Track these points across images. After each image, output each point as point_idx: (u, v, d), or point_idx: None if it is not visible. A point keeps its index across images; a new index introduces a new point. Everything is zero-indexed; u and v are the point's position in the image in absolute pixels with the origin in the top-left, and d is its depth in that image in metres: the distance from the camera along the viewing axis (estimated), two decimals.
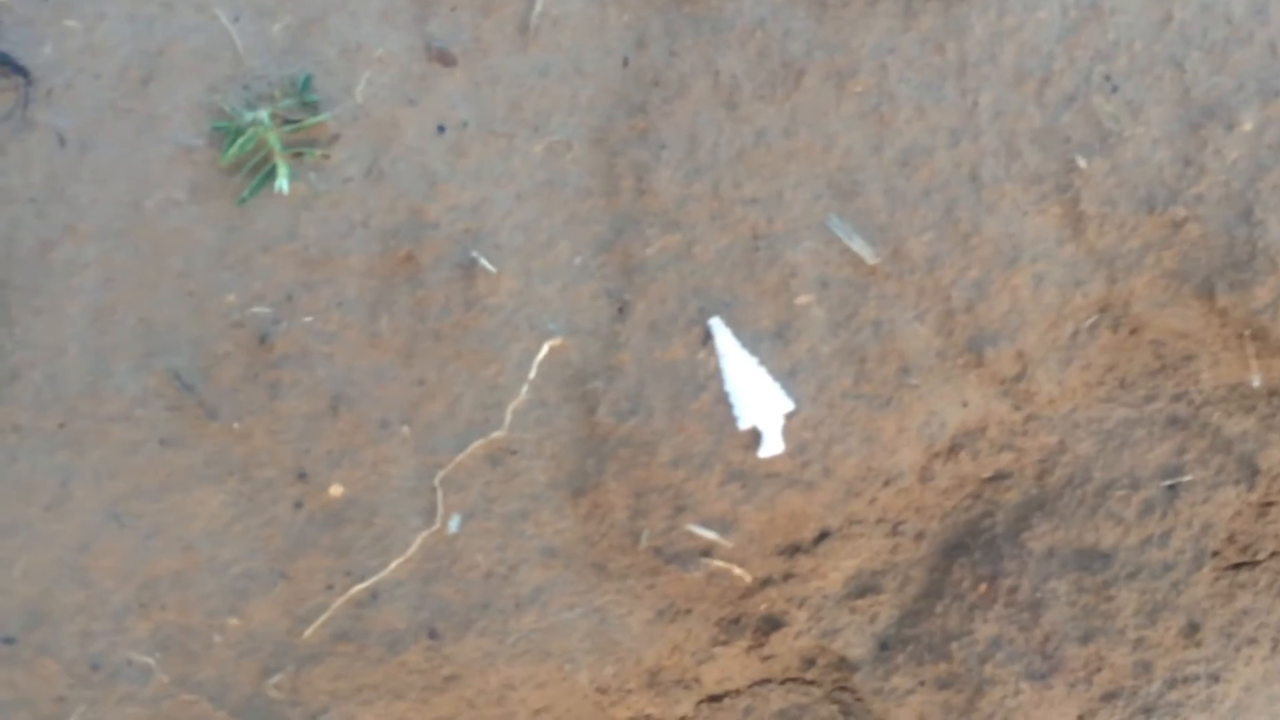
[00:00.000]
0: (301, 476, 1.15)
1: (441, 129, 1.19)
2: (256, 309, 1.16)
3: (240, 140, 1.16)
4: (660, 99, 1.19)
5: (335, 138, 1.19)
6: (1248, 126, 1.15)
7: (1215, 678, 1.24)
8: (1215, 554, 1.25)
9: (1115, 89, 1.17)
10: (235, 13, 1.21)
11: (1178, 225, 1.16)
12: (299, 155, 1.18)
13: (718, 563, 1.16)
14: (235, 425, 1.15)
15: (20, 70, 1.19)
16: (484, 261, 1.16)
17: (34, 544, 1.13)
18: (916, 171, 1.17)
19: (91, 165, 1.18)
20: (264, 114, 1.16)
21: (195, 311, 1.16)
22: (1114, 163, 1.16)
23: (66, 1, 1.21)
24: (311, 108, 1.18)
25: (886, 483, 1.18)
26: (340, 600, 1.14)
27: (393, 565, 1.15)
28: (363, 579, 1.15)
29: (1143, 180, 1.16)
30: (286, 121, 1.17)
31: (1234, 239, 1.15)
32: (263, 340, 1.15)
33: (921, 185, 1.17)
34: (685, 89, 1.19)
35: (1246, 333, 1.18)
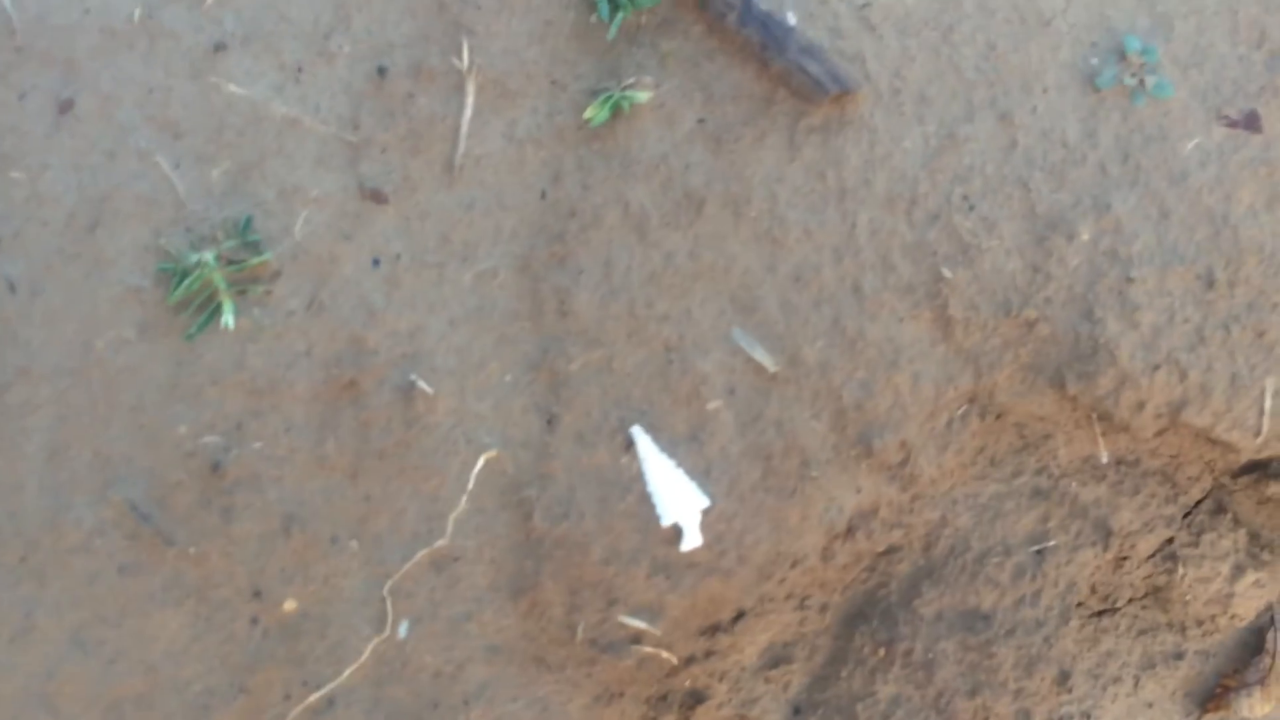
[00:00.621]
0: (257, 594, 1.23)
1: (377, 262, 1.30)
2: (208, 438, 1.24)
3: (186, 281, 1.25)
4: (577, 228, 1.32)
5: (277, 274, 1.28)
6: (1085, 236, 1.33)
7: (1087, 716, 1.41)
8: (1079, 605, 1.42)
9: (972, 207, 1.34)
10: (176, 160, 1.30)
11: (1031, 325, 1.33)
12: (243, 292, 1.27)
13: (647, 648, 1.28)
14: (191, 550, 1.22)
15: None
16: (422, 384, 1.27)
17: (0, 674, 1.18)
18: (807, 286, 1.32)
19: (42, 309, 1.25)
20: (209, 255, 1.25)
21: (149, 444, 1.24)
22: (974, 272, 1.33)
23: (11, 154, 1.28)
24: (253, 247, 1.27)
25: (794, 564, 1.32)
26: (298, 709, 1.23)
27: (347, 672, 1.23)
28: (319, 687, 1.23)
29: (1000, 287, 1.33)
30: (230, 262, 1.26)
31: (1079, 335, 1.33)
32: (215, 468, 1.24)
33: (812, 298, 1.32)
34: (599, 219, 1.32)
35: (1094, 415, 1.36)
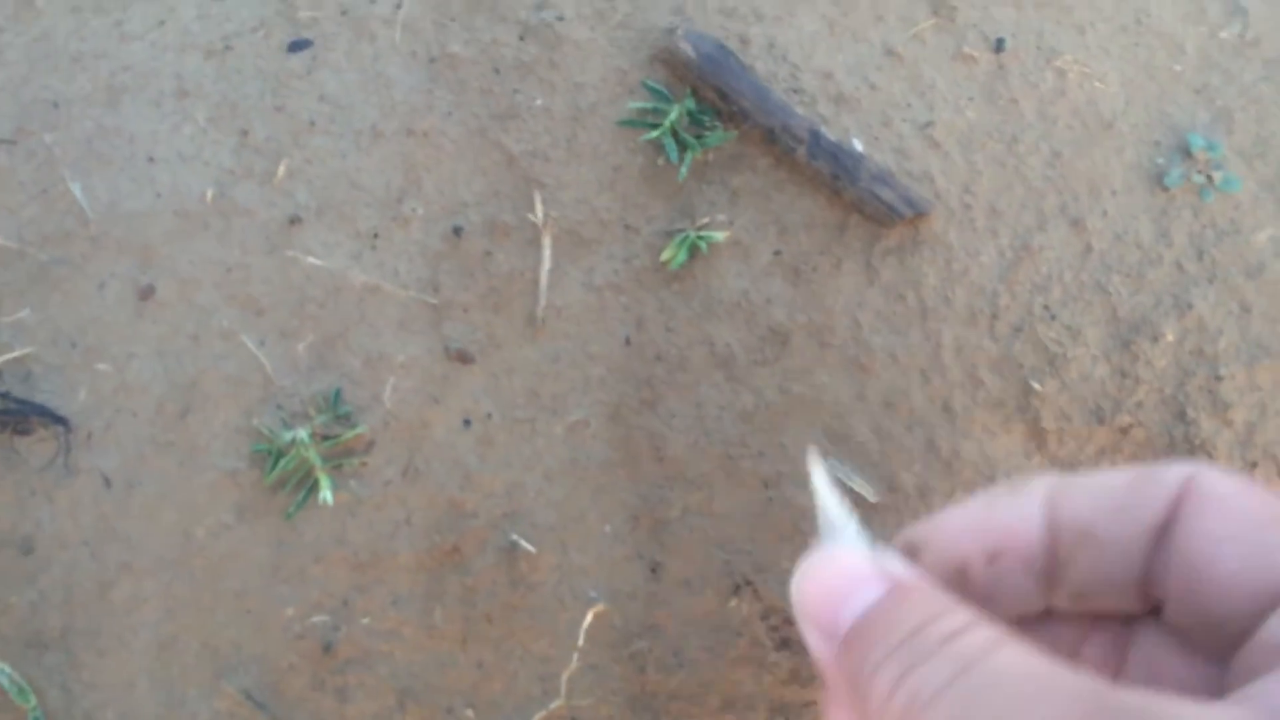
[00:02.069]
0: None
1: (468, 423, 1.29)
2: (316, 618, 1.23)
3: (282, 460, 1.24)
4: (664, 372, 1.32)
5: (370, 444, 1.27)
6: (1170, 337, 1.33)
7: None
8: None
9: (1054, 316, 1.34)
10: (260, 337, 1.30)
11: (1125, 431, 1.33)
12: (339, 466, 1.26)
13: None
14: None
15: (58, 419, 1.25)
16: (523, 543, 1.26)
17: None
18: (897, 410, 1.32)
19: (139, 501, 1.24)
20: (303, 433, 1.25)
21: (257, 629, 1.22)
22: (1063, 381, 1.33)
23: (95, 346, 1.28)
24: (345, 419, 1.27)
25: None
26: None
27: None
28: None
29: (1090, 394, 1.33)
30: (324, 437, 1.26)
31: (1173, 437, 1.32)
32: (326, 648, 1.22)
33: (904, 422, 1.31)
34: (685, 361, 1.32)
35: None
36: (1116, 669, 0.41)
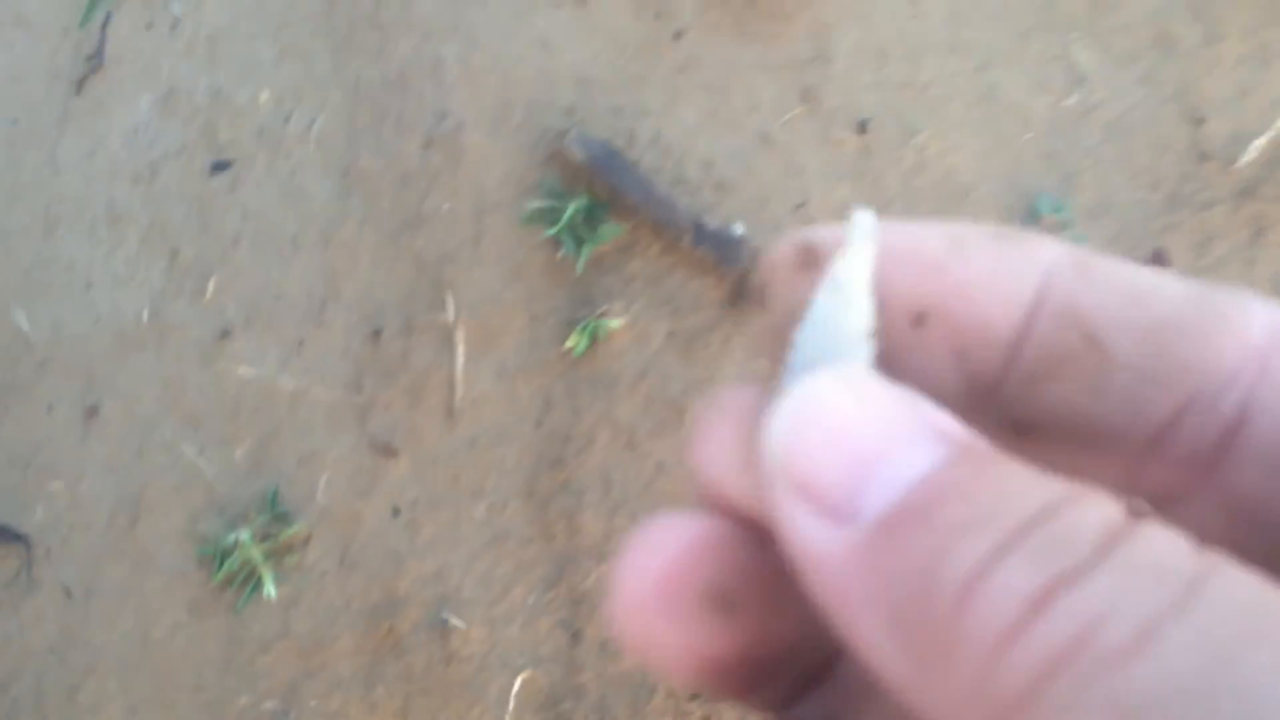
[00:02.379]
0: None
1: (396, 511, 1.41)
2: (267, 704, 1.35)
3: (227, 561, 1.36)
4: (574, 451, 1.44)
5: (308, 539, 1.39)
6: None
7: None
8: None
9: None
10: (200, 446, 1.41)
11: None
12: (280, 561, 1.37)
13: None
14: None
15: (18, 537, 1.36)
16: (454, 619, 1.38)
17: None
18: None
19: (99, 608, 1.36)
20: (245, 533, 1.36)
21: (213, 719, 1.34)
22: None
23: (48, 465, 1.39)
24: (283, 518, 1.39)
25: None
26: None
27: None
28: None
29: None
30: (265, 536, 1.37)
31: None
32: None
33: None
34: (592, 439, 1.44)
35: None
36: None
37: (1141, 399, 0.22)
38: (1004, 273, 0.23)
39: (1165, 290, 0.22)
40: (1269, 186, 1.54)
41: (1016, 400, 0.23)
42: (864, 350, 0.22)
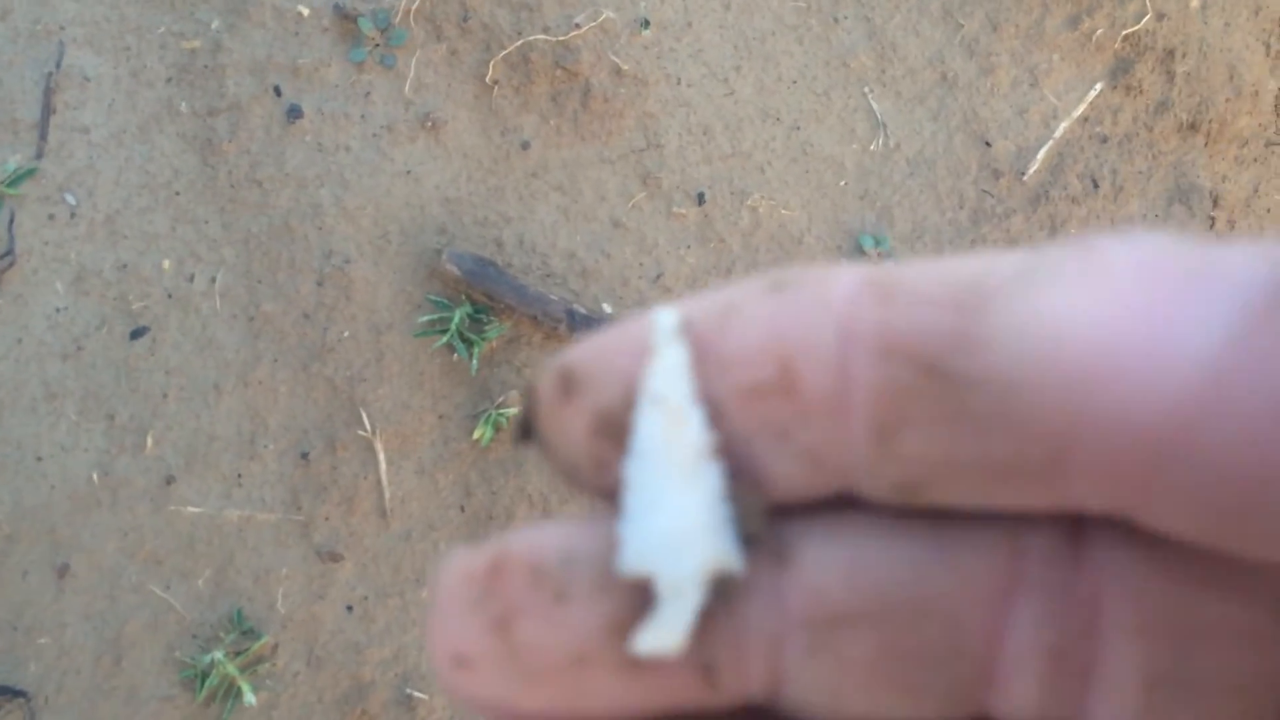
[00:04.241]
0: None
1: (350, 608, 1.60)
2: None
3: (207, 680, 1.54)
4: (497, 527, 1.64)
5: (275, 647, 1.58)
6: None
7: None
8: None
9: None
10: (165, 583, 1.59)
11: None
12: (254, 671, 1.56)
13: None
14: None
15: (19, 693, 1.53)
16: (417, 693, 1.58)
17: None
18: None
19: None
20: (218, 653, 1.54)
21: None
22: None
23: (33, 624, 1.56)
24: (250, 633, 1.57)
25: None
26: None
27: None
28: None
29: None
30: (237, 652, 1.56)
31: None
32: None
33: None
34: (511, 514, 1.64)
35: None
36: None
37: (1016, 415, 0.17)
38: (789, 332, 0.18)
39: (990, 280, 0.18)
40: (1055, 189, 1.79)
41: (880, 465, 0.18)
42: (710, 476, 0.19)
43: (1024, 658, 0.19)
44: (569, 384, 0.20)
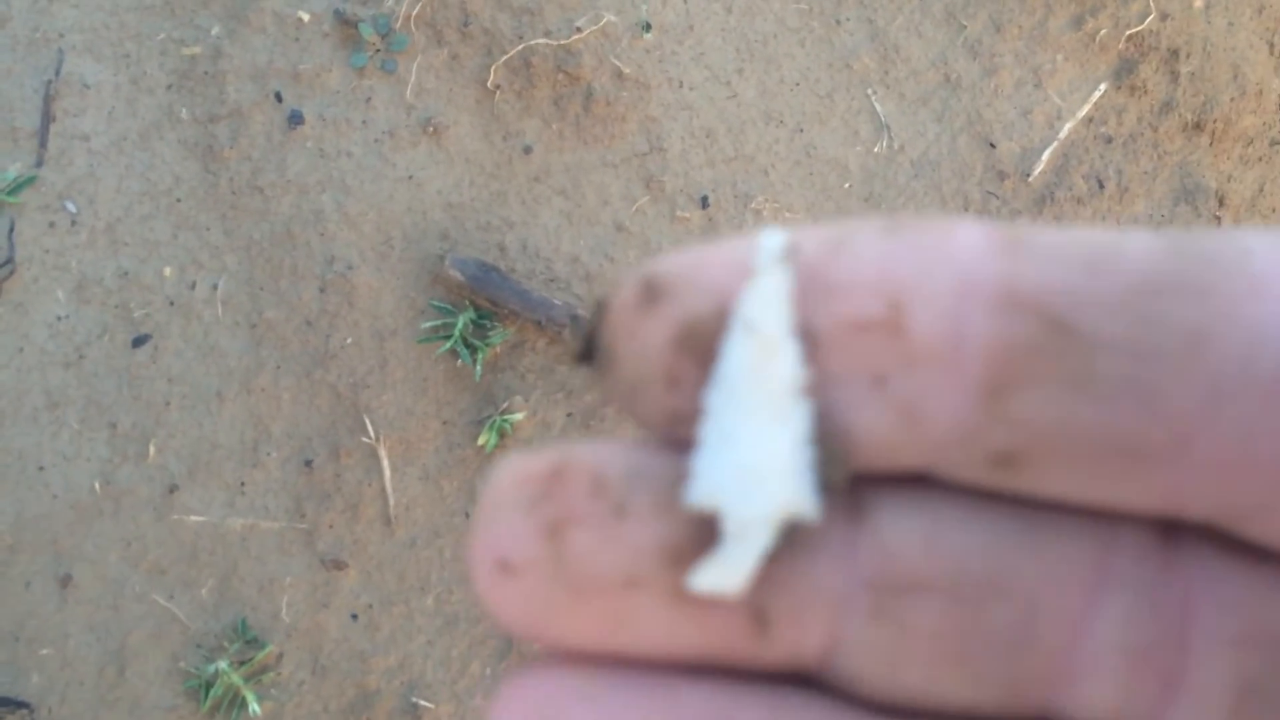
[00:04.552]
0: None
1: (355, 617, 1.59)
2: None
3: (211, 690, 1.53)
4: None
5: (280, 656, 1.57)
6: None
7: None
8: None
9: None
10: (169, 592, 1.58)
11: None
12: (259, 681, 1.55)
13: None
14: None
15: (22, 704, 1.51)
16: (423, 702, 1.57)
17: None
18: None
19: None
20: (223, 663, 1.53)
21: None
22: None
23: (36, 635, 1.55)
24: (254, 642, 1.56)
25: None
26: None
27: None
28: None
29: None
30: (241, 661, 1.55)
31: None
32: None
33: None
34: None
35: None
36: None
37: (1147, 386, 0.17)
38: (903, 270, 0.17)
39: (1129, 246, 0.17)
40: (1061, 190, 1.78)
41: (984, 429, 0.17)
42: (797, 415, 0.18)
43: (1104, 656, 0.18)
44: (654, 291, 0.18)
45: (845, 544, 0.18)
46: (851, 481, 0.18)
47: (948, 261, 0.17)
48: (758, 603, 0.18)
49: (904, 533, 0.18)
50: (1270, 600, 0.18)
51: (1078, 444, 0.17)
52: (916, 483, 0.18)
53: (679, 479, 0.18)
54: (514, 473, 0.19)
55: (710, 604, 0.18)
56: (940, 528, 0.18)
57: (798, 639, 0.18)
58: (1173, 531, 0.18)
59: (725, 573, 0.18)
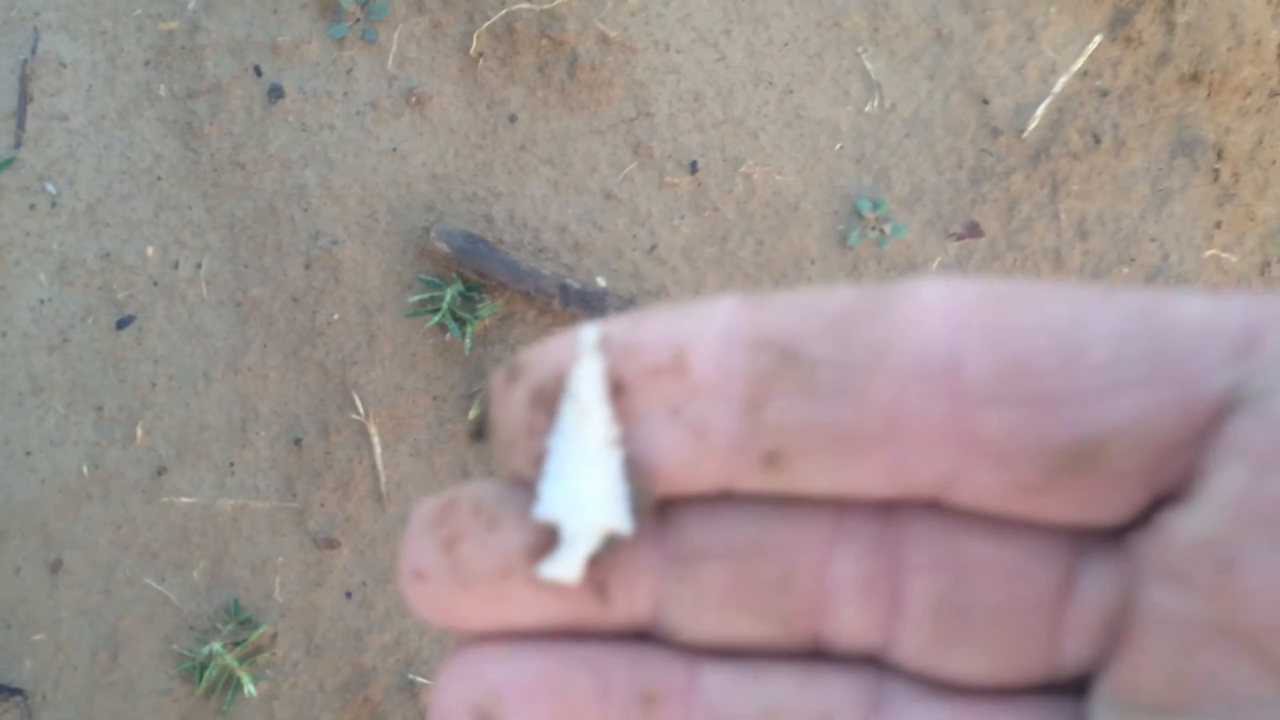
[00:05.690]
0: None
1: (349, 595, 1.57)
2: None
3: (206, 672, 1.51)
4: None
5: (274, 636, 1.55)
6: None
7: None
8: None
9: None
10: (160, 575, 1.56)
11: None
12: (254, 662, 1.53)
13: None
14: None
15: (15, 691, 1.50)
16: (419, 679, 1.55)
17: None
18: None
19: None
20: (217, 645, 1.52)
21: None
22: None
23: (27, 621, 1.53)
24: (248, 623, 1.54)
25: None
26: None
27: None
28: None
29: None
30: (235, 643, 1.53)
31: None
32: None
33: None
34: None
35: None
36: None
37: (854, 388, 0.22)
38: (683, 331, 0.23)
39: (834, 295, 0.23)
40: (1056, 145, 1.75)
41: (752, 435, 0.23)
42: (612, 458, 0.24)
43: (843, 588, 0.25)
44: (514, 372, 0.25)
45: (658, 538, 0.25)
46: (658, 505, 0.25)
47: (713, 320, 0.24)
48: (599, 579, 0.25)
49: (696, 521, 0.25)
50: (955, 538, 0.24)
51: (816, 436, 0.23)
52: (710, 499, 0.25)
53: (532, 501, 0.25)
54: (423, 508, 0.26)
55: (559, 586, 0.25)
56: (720, 515, 0.25)
57: (631, 604, 0.25)
58: (891, 501, 0.25)
59: (564, 566, 0.25)
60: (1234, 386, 0.21)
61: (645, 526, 0.25)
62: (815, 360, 0.23)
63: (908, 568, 0.24)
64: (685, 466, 0.24)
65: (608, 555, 0.25)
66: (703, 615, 0.25)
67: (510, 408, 0.25)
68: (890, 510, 0.24)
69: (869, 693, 0.25)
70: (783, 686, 0.25)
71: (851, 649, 0.25)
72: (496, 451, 0.26)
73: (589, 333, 0.25)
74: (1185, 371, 0.21)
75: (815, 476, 0.23)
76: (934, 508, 0.24)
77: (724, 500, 0.25)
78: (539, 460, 0.25)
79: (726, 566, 0.25)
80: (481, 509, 0.25)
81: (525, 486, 0.25)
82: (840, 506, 0.24)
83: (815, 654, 0.25)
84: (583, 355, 0.24)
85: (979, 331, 0.22)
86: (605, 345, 0.24)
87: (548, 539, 0.25)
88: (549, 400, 0.25)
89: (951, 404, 0.22)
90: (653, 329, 0.24)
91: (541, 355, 0.25)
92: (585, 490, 0.24)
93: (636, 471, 0.24)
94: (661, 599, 0.25)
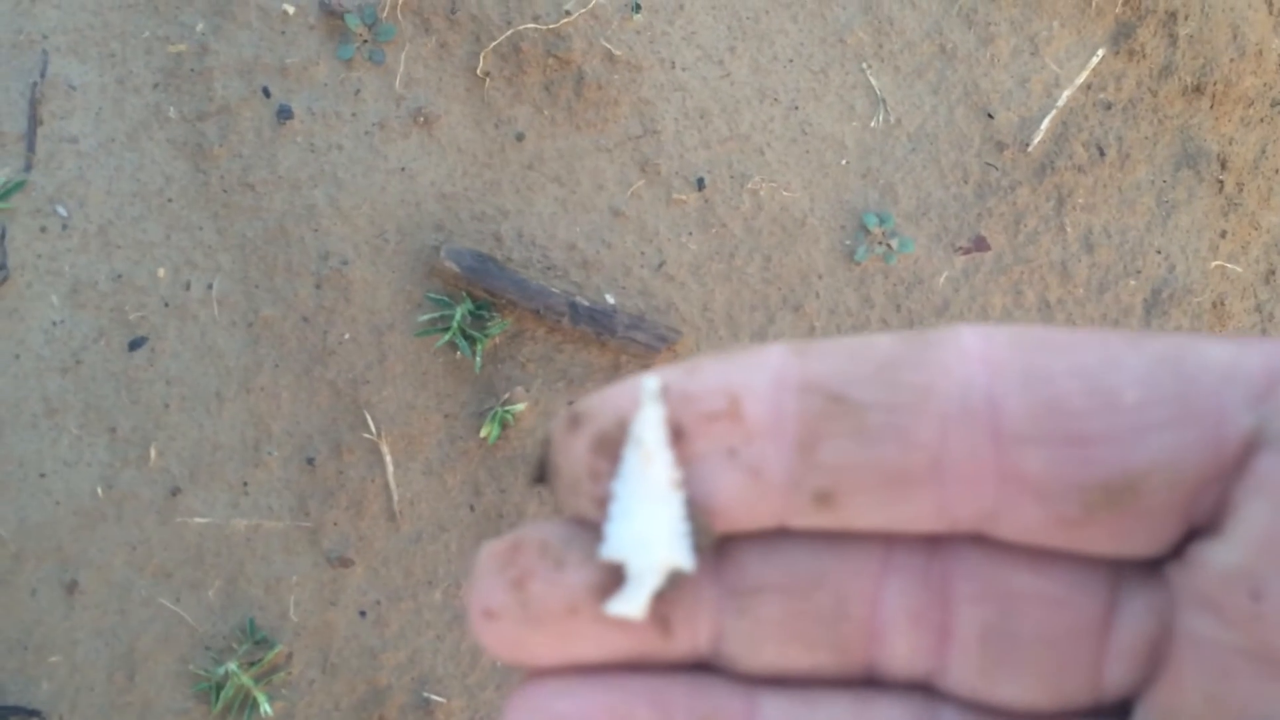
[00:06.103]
0: None
1: (363, 613, 1.58)
2: None
3: (222, 692, 1.52)
4: (508, 525, 1.62)
5: (290, 656, 1.56)
6: None
7: None
8: None
9: None
10: (175, 595, 1.57)
11: None
12: (269, 681, 1.54)
13: None
14: None
15: (32, 713, 1.51)
16: (435, 697, 1.56)
17: None
18: None
19: None
20: (232, 664, 1.53)
21: None
22: None
23: (43, 643, 1.54)
24: (263, 643, 1.55)
25: None
26: None
27: None
28: None
29: None
30: (251, 662, 1.54)
31: None
32: None
33: None
34: (522, 512, 1.62)
35: None
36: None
37: (900, 429, 0.24)
38: (736, 378, 0.25)
39: (877, 341, 0.25)
40: (1060, 159, 1.76)
41: (804, 475, 0.24)
42: (674, 499, 0.25)
43: (894, 619, 0.26)
44: (576, 420, 0.26)
45: (718, 573, 0.26)
46: (718, 542, 0.26)
47: (764, 367, 0.25)
48: (663, 615, 0.26)
49: (753, 558, 0.26)
50: (1000, 570, 0.25)
51: (865, 475, 0.24)
52: (766, 536, 0.26)
53: (598, 541, 0.26)
54: (490, 549, 0.27)
55: (625, 622, 0.26)
56: (776, 551, 0.26)
57: (693, 637, 0.26)
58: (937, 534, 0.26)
59: (630, 603, 0.26)
60: (1258, 427, 0.22)
61: (706, 563, 0.26)
62: (862, 404, 0.24)
63: (955, 598, 0.25)
64: (743, 505, 0.25)
65: (671, 592, 0.26)
66: (761, 646, 0.26)
67: (573, 453, 0.26)
68: (937, 544, 0.26)
69: (920, 719, 0.26)
70: (837, 713, 0.26)
71: (903, 677, 0.26)
72: (558, 494, 0.27)
73: (650, 382, 0.26)
74: (1212, 413, 0.23)
75: (865, 513, 0.25)
76: (979, 541, 0.25)
77: (779, 537, 0.26)
78: (603, 503, 0.26)
79: (783, 600, 0.26)
80: (548, 549, 0.26)
81: (588, 527, 0.26)
82: (889, 541, 0.26)
83: (868, 682, 0.26)
84: (645, 403, 0.25)
85: (1016, 375, 0.23)
86: (664, 393, 0.25)
87: (613, 577, 0.26)
88: (611, 446, 0.26)
89: (993, 444, 0.23)
90: (708, 376, 0.25)
91: (601, 404, 0.26)
92: (650, 530, 0.25)
93: (697, 511, 0.25)
94: (721, 631, 0.26)
